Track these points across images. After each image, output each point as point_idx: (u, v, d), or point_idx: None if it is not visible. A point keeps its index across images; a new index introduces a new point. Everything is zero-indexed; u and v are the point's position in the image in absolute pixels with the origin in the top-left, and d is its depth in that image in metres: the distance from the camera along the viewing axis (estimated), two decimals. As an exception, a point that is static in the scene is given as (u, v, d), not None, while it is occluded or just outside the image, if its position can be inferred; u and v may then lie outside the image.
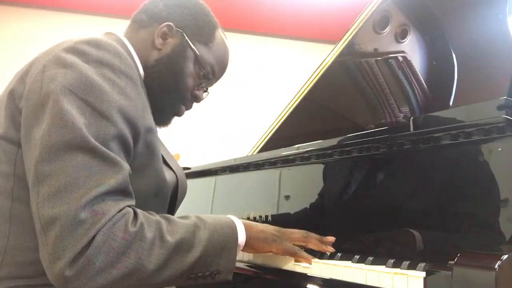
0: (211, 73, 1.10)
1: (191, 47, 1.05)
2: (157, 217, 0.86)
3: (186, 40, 1.05)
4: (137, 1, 1.12)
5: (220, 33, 1.12)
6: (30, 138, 0.82)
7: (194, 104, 1.14)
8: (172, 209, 1.07)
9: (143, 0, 1.11)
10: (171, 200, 1.04)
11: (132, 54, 1.00)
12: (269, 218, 1.29)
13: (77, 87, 0.81)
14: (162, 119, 1.08)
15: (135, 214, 0.82)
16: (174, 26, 1.04)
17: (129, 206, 0.81)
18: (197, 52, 1.06)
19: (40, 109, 0.81)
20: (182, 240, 0.85)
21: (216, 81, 1.15)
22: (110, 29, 1.05)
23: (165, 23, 1.04)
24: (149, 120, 0.94)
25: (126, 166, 0.82)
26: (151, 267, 0.80)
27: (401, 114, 1.36)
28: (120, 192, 0.80)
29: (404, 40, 1.43)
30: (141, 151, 0.90)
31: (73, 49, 0.85)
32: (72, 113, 0.78)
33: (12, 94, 0.88)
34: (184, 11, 1.07)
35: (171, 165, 1.05)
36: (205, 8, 1.11)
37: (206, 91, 1.13)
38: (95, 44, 0.87)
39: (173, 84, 1.05)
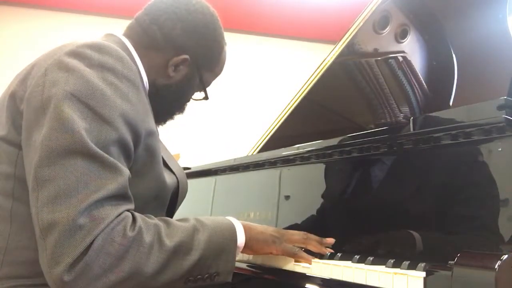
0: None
1: (199, 77, 1.08)
2: (155, 220, 0.86)
3: (197, 70, 1.07)
4: (137, 1, 1.12)
5: (224, 51, 1.12)
6: (30, 141, 0.82)
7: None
8: (171, 211, 1.07)
9: (144, 0, 1.08)
10: (171, 201, 1.04)
11: (134, 57, 0.99)
12: (269, 218, 1.29)
13: (79, 91, 0.80)
14: (158, 121, 1.09)
15: (134, 218, 0.82)
16: (189, 58, 1.04)
17: (128, 210, 0.81)
18: (204, 80, 1.09)
19: (41, 113, 0.81)
20: (181, 243, 0.85)
21: None
22: (111, 29, 1.04)
23: (182, 57, 1.03)
24: (151, 123, 0.94)
25: (126, 171, 0.82)
26: (150, 271, 0.80)
27: (401, 114, 1.36)
28: (119, 197, 0.80)
29: (404, 40, 1.43)
30: (142, 155, 0.90)
31: (75, 53, 0.85)
32: (73, 117, 0.78)
33: (13, 97, 0.88)
34: (200, 41, 1.05)
35: (171, 166, 1.04)
36: (218, 28, 1.09)
37: None
38: (97, 48, 0.86)
39: (175, 106, 1.11)
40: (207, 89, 1.15)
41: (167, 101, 1.07)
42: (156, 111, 1.01)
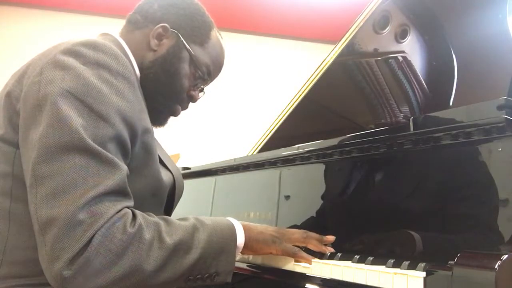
0: (206, 73, 1.10)
1: (186, 48, 1.05)
2: (155, 218, 0.86)
3: (181, 41, 1.05)
4: (137, 2, 1.13)
5: (215, 33, 1.12)
6: (27, 139, 0.82)
7: (194, 104, 1.15)
8: (169, 209, 1.07)
9: (142, 1, 1.10)
10: (168, 199, 1.04)
11: (128, 55, 1.01)
12: (269, 218, 1.29)
13: (75, 89, 0.81)
14: (158, 119, 1.08)
15: (134, 215, 0.82)
16: (169, 27, 1.04)
17: (127, 207, 0.82)
18: (192, 53, 1.06)
19: (37, 111, 0.81)
20: (181, 241, 0.85)
21: (212, 81, 1.14)
22: (110, 29, 1.05)
23: (160, 24, 1.04)
24: (146, 121, 0.94)
25: (124, 167, 0.82)
26: (149, 268, 0.80)
27: (401, 114, 1.36)
28: (118, 192, 0.80)
29: (404, 40, 1.43)
30: (138, 152, 0.90)
31: (71, 51, 0.85)
32: (70, 114, 0.78)
33: (10, 96, 0.88)
34: (179, 11, 1.07)
35: (167, 164, 1.05)
36: (200, 8, 1.11)
37: (202, 91, 1.13)
38: (92, 46, 0.87)
39: (169, 85, 1.05)
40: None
41: (159, 81, 1.03)
42: (152, 100, 1.00)
